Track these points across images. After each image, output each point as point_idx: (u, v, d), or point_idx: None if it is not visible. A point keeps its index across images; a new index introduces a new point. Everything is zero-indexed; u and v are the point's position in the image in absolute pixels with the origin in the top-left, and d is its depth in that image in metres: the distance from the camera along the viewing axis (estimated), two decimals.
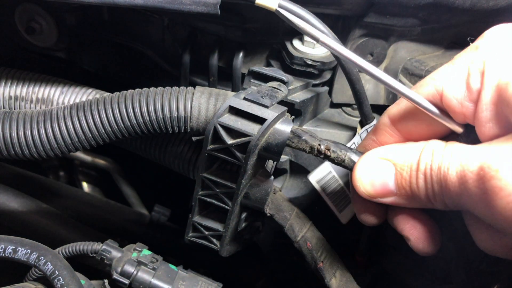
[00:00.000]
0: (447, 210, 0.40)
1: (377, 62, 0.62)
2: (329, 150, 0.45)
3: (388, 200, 0.41)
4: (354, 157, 0.44)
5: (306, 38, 0.59)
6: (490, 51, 0.36)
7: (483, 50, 0.37)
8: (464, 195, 0.35)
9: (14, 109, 0.59)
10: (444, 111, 0.40)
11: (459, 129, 0.40)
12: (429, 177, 0.37)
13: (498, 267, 0.50)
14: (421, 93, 0.40)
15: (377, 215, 0.46)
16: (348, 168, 0.44)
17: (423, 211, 0.44)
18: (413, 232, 0.43)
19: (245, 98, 0.47)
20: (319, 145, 0.45)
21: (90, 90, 0.59)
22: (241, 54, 0.62)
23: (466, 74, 0.37)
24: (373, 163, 0.41)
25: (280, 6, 0.49)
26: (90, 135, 0.50)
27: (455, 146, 0.37)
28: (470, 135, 0.39)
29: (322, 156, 0.45)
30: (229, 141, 0.46)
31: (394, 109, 0.43)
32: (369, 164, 0.41)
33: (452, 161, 0.36)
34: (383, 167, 0.40)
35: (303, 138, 0.46)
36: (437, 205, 0.39)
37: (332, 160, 0.45)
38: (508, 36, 0.37)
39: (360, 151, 0.45)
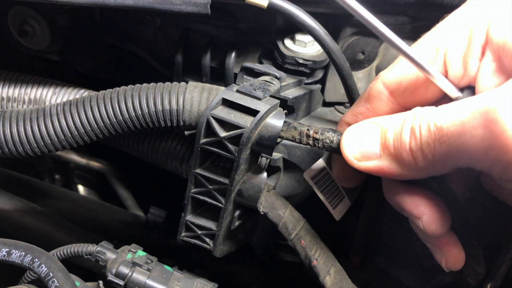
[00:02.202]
0: (428, 177, 0.39)
1: (368, 61, 0.63)
2: (317, 133, 0.45)
3: (371, 164, 0.41)
4: None
5: (297, 37, 0.60)
6: (493, 9, 0.38)
7: (486, 7, 0.38)
8: (464, 144, 0.34)
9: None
10: (443, 74, 0.40)
11: (457, 94, 0.41)
12: (419, 131, 0.37)
13: (492, 267, 0.51)
14: (421, 50, 0.41)
15: (355, 178, 0.48)
16: (335, 151, 0.45)
17: (431, 192, 0.44)
18: (424, 210, 0.43)
19: (238, 91, 0.47)
20: (307, 130, 0.46)
21: (82, 91, 0.59)
22: (233, 54, 0.62)
23: (469, 30, 0.38)
24: (361, 126, 0.42)
25: (271, 4, 0.49)
26: (83, 131, 0.51)
27: (448, 105, 0.37)
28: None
29: (311, 141, 0.46)
30: (222, 133, 0.46)
31: (390, 75, 0.43)
32: (356, 127, 0.42)
33: (447, 112, 0.35)
34: (369, 129, 0.41)
35: (292, 125, 0.47)
36: (420, 165, 0.38)
37: (321, 143, 0.45)
38: None
39: (349, 120, 0.46)
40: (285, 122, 0.47)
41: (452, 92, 0.41)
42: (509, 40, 0.36)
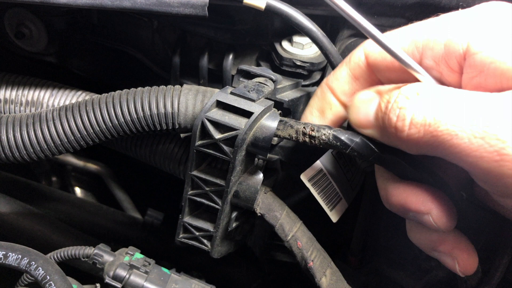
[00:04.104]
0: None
1: None
2: (313, 130, 0.45)
3: (368, 132, 0.42)
4: (338, 133, 0.44)
5: (295, 39, 0.60)
6: (473, 27, 0.37)
7: (466, 23, 0.38)
8: (459, 147, 0.34)
9: (4, 112, 0.59)
10: None
11: None
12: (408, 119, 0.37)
13: (489, 271, 0.51)
14: (400, 41, 0.41)
15: None
16: (332, 146, 0.45)
17: (431, 187, 0.43)
18: (431, 205, 0.42)
19: (232, 93, 0.47)
20: (304, 127, 0.46)
21: (80, 92, 0.59)
22: (230, 56, 0.62)
23: (447, 39, 0.38)
24: (364, 94, 0.43)
25: (268, 5, 0.50)
26: (79, 136, 0.51)
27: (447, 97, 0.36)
28: None
29: (307, 139, 0.46)
30: (217, 135, 0.46)
31: (376, 48, 0.43)
32: (362, 94, 0.43)
33: (445, 108, 0.35)
34: (370, 98, 0.42)
35: (289, 123, 0.47)
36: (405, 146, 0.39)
37: (318, 140, 0.45)
38: (498, 15, 0.37)
39: (331, 83, 0.48)
40: (281, 121, 0.47)
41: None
42: (497, 59, 0.35)
